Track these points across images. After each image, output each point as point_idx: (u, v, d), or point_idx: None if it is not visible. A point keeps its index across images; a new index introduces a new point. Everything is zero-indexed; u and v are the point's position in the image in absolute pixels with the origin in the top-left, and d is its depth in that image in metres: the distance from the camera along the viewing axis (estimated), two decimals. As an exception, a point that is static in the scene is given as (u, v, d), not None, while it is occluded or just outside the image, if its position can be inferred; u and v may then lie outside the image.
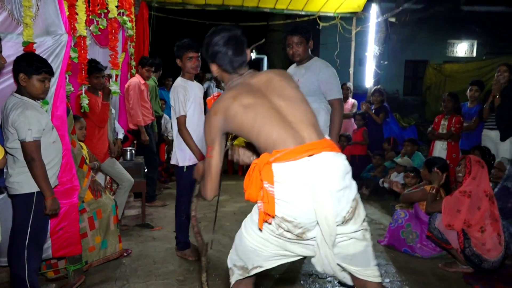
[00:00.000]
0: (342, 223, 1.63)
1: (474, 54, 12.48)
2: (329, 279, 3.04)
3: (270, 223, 1.64)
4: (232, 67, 1.83)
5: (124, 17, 4.38)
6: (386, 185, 5.32)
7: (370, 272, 1.76)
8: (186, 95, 3.23)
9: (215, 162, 1.77)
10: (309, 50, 3.38)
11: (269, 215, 1.58)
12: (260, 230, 1.69)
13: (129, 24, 4.54)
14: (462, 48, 12.64)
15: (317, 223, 1.58)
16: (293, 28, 3.37)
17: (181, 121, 3.23)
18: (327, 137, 1.75)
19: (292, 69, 3.50)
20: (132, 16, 4.86)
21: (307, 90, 3.20)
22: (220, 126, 1.74)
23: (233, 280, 1.85)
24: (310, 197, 1.55)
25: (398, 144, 6.20)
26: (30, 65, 2.40)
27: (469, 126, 5.11)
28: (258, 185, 1.60)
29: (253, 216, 1.77)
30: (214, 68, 1.89)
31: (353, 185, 1.68)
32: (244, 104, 1.68)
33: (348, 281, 1.80)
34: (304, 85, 3.14)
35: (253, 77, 1.82)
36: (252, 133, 1.68)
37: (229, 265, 1.89)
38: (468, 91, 5.29)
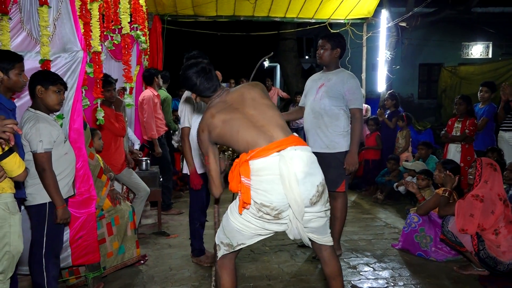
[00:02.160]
0: (311, 204, 2.02)
1: (490, 55, 12.31)
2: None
3: (248, 209, 2.02)
4: (208, 93, 2.23)
5: (138, 32, 4.54)
6: (401, 188, 5.32)
7: (326, 239, 2.20)
8: (194, 106, 3.33)
9: (213, 167, 2.16)
10: (337, 59, 3.55)
11: (246, 202, 1.98)
12: (240, 214, 2.06)
13: (142, 38, 4.69)
14: (477, 50, 12.48)
15: (289, 205, 1.96)
16: (325, 33, 3.63)
17: (185, 132, 3.33)
18: (295, 134, 2.14)
19: (318, 74, 3.69)
20: (146, 30, 5.02)
21: (332, 94, 3.42)
22: (208, 139, 2.14)
23: (219, 254, 2.20)
24: (281, 185, 1.93)
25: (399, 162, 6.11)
26: (47, 77, 2.54)
27: (478, 126, 5.08)
28: (238, 179, 2.01)
29: (237, 203, 2.10)
30: (193, 96, 2.29)
31: (318, 172, 2.07)
32: (222, 120, 2.09)
33: (309, 244, 2.21)
34: (329, 89, 3.42)
35: (228, 94, 2.21)
36: (232, 140, 2.07)
37: (217, 242, 2.23)
38: (478, 92, 5.33)
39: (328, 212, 2.17)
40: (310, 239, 2.18)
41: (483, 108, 5.27)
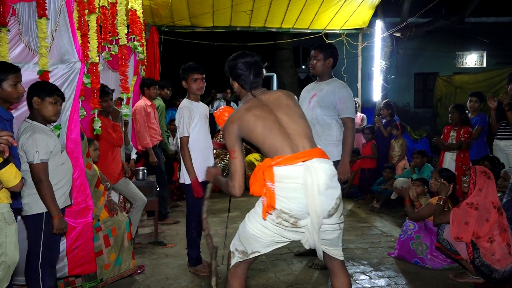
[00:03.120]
0: (328, 216, 2.06)
1: (484, 65, 12.43)
2: None
3: (271, 214, 2.01)
4: (250, 87, 2.25)
5: (135, 42, 4.58)
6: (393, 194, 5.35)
7: (337, 252, 2.22)
8: (191, 115, 3.36)
9: (240, 161, 2.11)
10: (330, 69, 3.60)
11: (271, 207, 1.98)
12: (264, 219, 2.05)
13: (140, 49, 4.73)
14: (472, 59, 12.59)
15: (308, 214, 1.98)
16: (317, 44, 3.66)
17: (184, 142, 3.36)
18: (319, 146, 2.18)
19: (312, 84, 3.74)
20: (143, 41, 5.06)
21: (323, 104, 3.47)
22: (236, 132, 2.11)
23: (233, 262, 2.19)
24: (303, 194, 1.96)
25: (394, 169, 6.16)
26: (43, 88, 2.55)
27: (472, 136, 5.14)
28: (261, 183, 2.01)
29: (257, 209, 2.11)
30: (235, 85, 2.31)
31: (338, 186, 2.10)
32: (256, 114, 2.10)
33: (321, 256, 2.19)
34: (321, 99, 3.47)
35: (265, 94, 2.24)
36: (259, 139, 2.08)
37: (231, 249, 2.22)
38: (468, 102, 5.41)
39: (342, 225, 2.20)
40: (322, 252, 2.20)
41: (474, 118, 5.33)
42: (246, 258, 2.17)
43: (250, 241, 2.13)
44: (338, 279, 2.23)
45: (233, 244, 2.22)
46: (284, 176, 1.98)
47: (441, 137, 5.25)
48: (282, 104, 2.18)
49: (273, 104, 2.17)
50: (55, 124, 2.77)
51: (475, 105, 5.34)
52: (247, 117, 2.10)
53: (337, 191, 2.08)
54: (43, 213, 2.54)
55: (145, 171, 4.73)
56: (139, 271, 3.52)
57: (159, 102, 5.63)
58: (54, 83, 2.74)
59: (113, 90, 3.93)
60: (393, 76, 8.61)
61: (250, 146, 2.29)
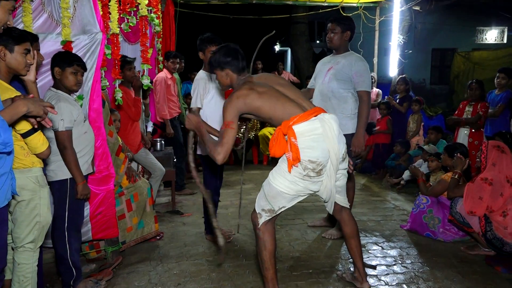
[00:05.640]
0: (342, 159, 2.42)
1: (505, 41, 12.09)
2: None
3: (297, 167, 2.29)
4: (240, 71, 2.53)
5: (152, 14, 4.59)
6: (405, 175, 5.38)
7: (345, 201, 2.64)
8: (206, 87, 3.40)
9: (234, 133, 2.35)
10: (347, 42, 3.60)
11: (297, 159, 2.26)
12: (289, 173, 2.30)
13: (156, 21, 4.73)
14: (492, 35, 12.23)
15: (329, 159, 2.33)
16: (334, 17, 3.66)
17: (197, 112, 3.38)
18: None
19: (328, 57, 3.74)
20: (159, 13, 5.06)
21: (339, 77, 3.48)
22: (240, 107, 2.36)
23: (261, 221, 2.41)
24: (323, 142, 2.30)
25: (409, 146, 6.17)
26: (64, 59, 2.61)
27: (494, 113, 5.10)
28: (282, 145, 2.30)
29: (282, 167, 2.35)
30: (225, 72, 2.53)
31: (342, 134, 2.46)
32: (259, 92, 2.38)
33: (330, 210, 2.58)
34: (337, 72, 3.49)
35: (252, 77, 2.53)
36: (270, 110, 2.36)
37: (258, 210, 2.44)
38: (495, 78, 5.28)
39: (346, 172, 2.57)
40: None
41: (500, 95, 5.21)
42: (274, 215, 2.42)
43: (277, 198, 2.37)
44: (349, 226, 2.67)
45: (259, 205, 2.44)
46: (305, 130, 2.28)
47: (456, 113, 5.22)
48: (272, 79, 2.53)
49: (267, 81, 2.49)
50: (78, 94, 2.85)
51: (502, 82, 5.20)
52: (252, 96, 2.35)
53: (344, 137, 2.46)
54: (67, 179, 2.63)
55: (163, 142, 4.82)
56: (158, 237, 3.66)
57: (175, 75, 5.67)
58: (76, 53, 2.80)
59: (134, 59, 3.96)
60: (410, 51, 8.47)
61: (257, 119, 2.56)
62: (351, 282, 2.80)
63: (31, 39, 2.41)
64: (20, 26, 2.75)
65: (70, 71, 2.61)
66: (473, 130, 4.94)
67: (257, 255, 2.51)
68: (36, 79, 2.57)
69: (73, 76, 2.63)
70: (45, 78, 2.92)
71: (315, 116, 2.33)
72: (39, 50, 2.56)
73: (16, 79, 2.30)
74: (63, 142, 2.55)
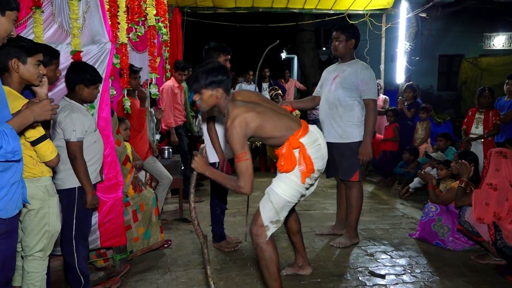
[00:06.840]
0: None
1: (513, 47, 12.04)
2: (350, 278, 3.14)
3: (310, 177, 2.39)
4: (229, 89, 2.36)
5: (160, 24, 4.63)
6: (415, 182, 5.33)
7: None
8: None
9: (250, 162, 2.26)
10: (352, 50, 3.61)
11: (312, 170, 2.36)
12: (303, 183, 2.38)
13: (164, 30, 4.78)
14: (499, 41, 12.17)
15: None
16: (339, 25, 3.67)
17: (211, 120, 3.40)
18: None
19: (333, 66, 3.76)
20: (167, 22, 5.11)
21: (345, 85, 3.50)
22: (246, 134, 2.27)
23: (269, 233, 2.42)
24: (322, 151, 2.46)
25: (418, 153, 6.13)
26: (89, 76, 2.65)
27: (504, 119, 5.06)
28: (293, 160, 2.34)
29: (291, 178, 2.37)
30: (217, 91, 2.28)
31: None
32: (257, 112, 2.30)
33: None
34: (343, 80, 3.50)
35: (237, 96, 2.41)
36: (271, 129, 2.34)
37: (265, 223, 2.41)
38: (505, 85, 5.26)
39: None
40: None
41: (509, 101, 5.19)
42: (279, 225, 2.46)
43: (284, 208, 2.43)
44: (297, 223, 2.95)
45: (267, 217, 2.41)
46: (310, 141, 2.39)
47: (465, 120, 5.18)
48: (253, 96, 2.47)
49: (254, 99, 2.43)
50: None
51: (511, 88, 5.19)
52: (251, 117, 2.25)
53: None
54: (75, 187, 2.65)
55: (170, 150, 4.85)
56: (166, 245, 3.66)
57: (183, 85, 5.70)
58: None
59: (140, 69, 4.01)
60: (417, 58, 8.46)
61: (255, 140, 2.53)
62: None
63: (50, 54, 2.46)
64: (31, 37, 2.79)
65: (93, 87, 2.69)
66: (488, 138, 4.91)
67: (262, 269, 2.48)
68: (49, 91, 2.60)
69: (94, 92, 2.71)
70: (58, 86, 2.95)
71: (309, 129, 2.46)
72: (58, 66, 2.60)
73: (27, 88, 2.34)
74: (74, 152, 2.57)
